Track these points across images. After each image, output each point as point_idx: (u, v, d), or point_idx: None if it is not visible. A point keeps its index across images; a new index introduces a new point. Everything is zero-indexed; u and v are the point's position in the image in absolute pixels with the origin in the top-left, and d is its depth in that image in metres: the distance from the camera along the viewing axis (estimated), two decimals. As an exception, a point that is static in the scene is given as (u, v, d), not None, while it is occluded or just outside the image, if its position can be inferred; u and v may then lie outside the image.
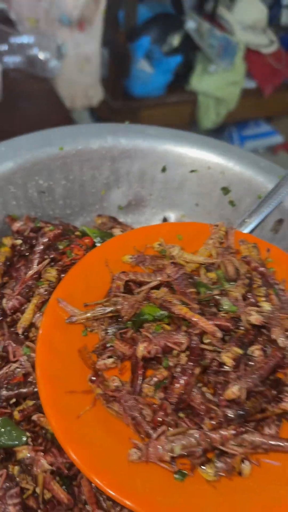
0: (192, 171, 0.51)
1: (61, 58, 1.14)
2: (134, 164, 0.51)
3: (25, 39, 1.08)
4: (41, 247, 0.40)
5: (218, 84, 1.93)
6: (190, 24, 1.87)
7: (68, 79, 1.31)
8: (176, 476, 0.32)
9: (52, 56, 1.10)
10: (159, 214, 0.55)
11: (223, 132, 2.10)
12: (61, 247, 0.42)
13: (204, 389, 0.35)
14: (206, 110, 1.98)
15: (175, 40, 1.85)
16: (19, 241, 0.42)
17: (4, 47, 1.06)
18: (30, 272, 0.39)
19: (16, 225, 0.46)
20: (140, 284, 0.40)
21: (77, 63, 1.32)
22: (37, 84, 1.10)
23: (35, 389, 0.35)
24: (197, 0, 2.16)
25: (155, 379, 0.35)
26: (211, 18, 1.97)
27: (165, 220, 0.55)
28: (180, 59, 1.83)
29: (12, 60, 1.07)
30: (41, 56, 1.08)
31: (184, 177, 0.51)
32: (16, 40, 1.07)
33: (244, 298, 0.40)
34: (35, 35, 1.09)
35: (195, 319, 0.34)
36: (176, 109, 1.93)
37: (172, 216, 0.55)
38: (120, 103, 1.74)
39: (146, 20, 1.89)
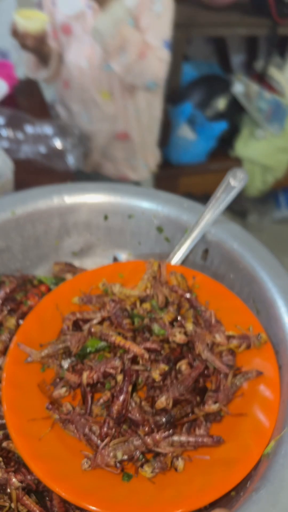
0: (129, 216, 0.59)
1: (82, 148, 1.06)
2: (79, 216, 0.59)
3: (43, 129, 1.01)
4: (0, 301, 0.48)
5: (265, 151, 1.77)
6: (238, 88, 1.79)
7: (142, 142, 1.32)
8: (124, 477, 0.38)
9: (73, 148, 1.00)
10: (109, 254, 0.63)
11: (268, 195, 1.95)
12: (18, 297, 0.50)
13: (144, 403, 0.42)
14: (251, 178, 1.82)
15: (221, 103, 1.78)
16: (-18, 298, 0.50)
17: (19, 136, 0.99)
18: (-8, 323, 0.46)
19: (-19, 283, 0.53)
20: (87, 321, 0.48)
21: (148, 125, 1.31)
22: (55, 178, 1.00)
23: (3, 421, 0.42)
24: (246, 59, 2.14)
25: (101, 400, 0.42)
26: (260, 78, 1.87)
27: (115, 259, 0.63)
28: (225, 126, 1.73)
29: (28, 150, 0.99)
30: (60, 148, 0.97)
31: (124, 222, 0.60)
32: (35, 129, 1.00)
33: (175, 321, 0.47)
34: (53, 125, 1.00)
35: (127, 346, 0.42)
36: (218, 177, 1.65)
37: (122, 255, 0.63)
38: (158, 171, 1.58)
39: (191, 81, 1.82)
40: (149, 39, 1.10)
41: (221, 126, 1.73)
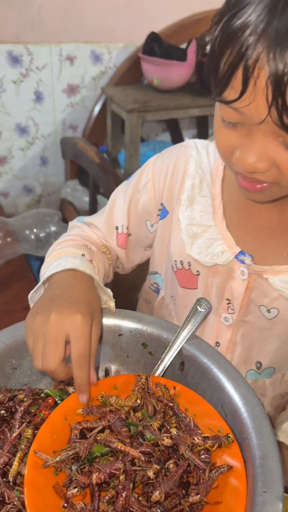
0: (119, 335, 0.73)
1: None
2: (78, 336, 0.73)
3: None
4: (20, 414, 0.59)
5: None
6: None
7: None
8: None
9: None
10: (101, 366, 0.75)
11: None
12: (32, 410, 0.61)
13: (141, 498, 0.52)
14: None
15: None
16: (3, 411, 0.60)
17: None
18: (14, 435, 0.56)
19: (-2, 397, 0.64)
20: (91, 429, 0.59)
21: None
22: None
23: (26, 520, 0.50)
24: (197, 135, 2.37)
25: (107, 497, 0.52)
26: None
27: (106, 370, 0.75)
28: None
29: None
30: None
31: (115, 339, 0.73)
32: None
33: (162, 426, 0.59)
34: None
35: (127, 450, 0.53)
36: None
37: (112, 367, 0.75)
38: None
39: None
40: None
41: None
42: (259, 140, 0.48)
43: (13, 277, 1.19)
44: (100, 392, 0.63)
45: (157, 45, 1.97)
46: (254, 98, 0.44)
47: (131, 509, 0.50)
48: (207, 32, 0.57)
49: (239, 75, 0.44)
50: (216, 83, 0.48)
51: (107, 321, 0.73)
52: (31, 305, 0.68)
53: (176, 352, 0.68)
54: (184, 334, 0.69)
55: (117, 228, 0.79)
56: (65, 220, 2.23)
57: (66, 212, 2.19)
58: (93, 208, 2.01)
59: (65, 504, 0.51)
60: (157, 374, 0.68)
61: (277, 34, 0.40)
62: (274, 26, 0.40)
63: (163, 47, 1.99)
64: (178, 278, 0.73)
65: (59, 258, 0.66)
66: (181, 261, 0.69)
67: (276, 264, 0.64)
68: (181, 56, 1.96)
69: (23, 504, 0.52)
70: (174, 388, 0.65)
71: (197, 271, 0.69)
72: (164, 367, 0.68)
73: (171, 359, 0.68)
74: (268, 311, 0.67)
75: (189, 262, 0.68)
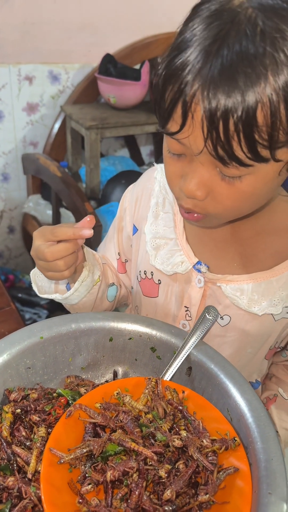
0: (129, 338, 0.76)
1: None
2: (90, 338, 0.75)
3: None
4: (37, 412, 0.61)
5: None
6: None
7: None
8: None
9: None
10: (110, 368, 0.78)
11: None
12: (47, 409, 0.63)
13: (152, 496, 0.55)
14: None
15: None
16: (19, 410, 0.62)
17: None
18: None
19: (12, 396, 0.66)
20: (104, 427, 0.61)
21: None
22: None
23: (43, 515, 0.53)
24: (154, 150, 2.44)
25: (120, 494, 0.54)
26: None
27: (115, 372, 0.78)
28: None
29: None
30: None
31: (125, 342, 0.76)
32: None
33: (171, 429, 0.62)
34: None
35: (140, 450, 0.56)
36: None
37: (120, 369, 0.78)
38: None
39: (110, 179, 2.04)
40: None
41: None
42: (199, 169, 0.54)
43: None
44: (113, 392, 0.66)
45: (112, 66, 2.05)
46: (193, 131, 0.49)
47: (144, 506, 0.53)
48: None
49: (179, 109, 0.49)
50: (160, 116, 0.54)
51: (118, 324, 0.76)
52: (32, 280, 0.78)
53: (185, 357, 0.71)
54: (193, 340, 0.72)
55: (118, 254, 0.88)
56: (28, 234, 2.23)
57: (29, 226, 2.23)
58: (56, 221, 2.05)
59: (80, 500, 0.53)
60: (165, 378, 0.71)
61: (210, 74, 0.46)
62: (208, 67, 0.46)
63: (118, 67, 2.07)
64: (141, 288, 0.79)
65: None
66: (144, 271, 0.76)
67: (228, 274, 0.70)
68: (135, 76, 2.04)
69: (39, 500, 0.54)
70: (183, 392, 0.67)
71: (159, 280, 0.75)
72: (172, 371, 0.71)
73: (179, 364, 0.71)
74: (221, 318, 0.73)
75: (152, 272, 0.75)
